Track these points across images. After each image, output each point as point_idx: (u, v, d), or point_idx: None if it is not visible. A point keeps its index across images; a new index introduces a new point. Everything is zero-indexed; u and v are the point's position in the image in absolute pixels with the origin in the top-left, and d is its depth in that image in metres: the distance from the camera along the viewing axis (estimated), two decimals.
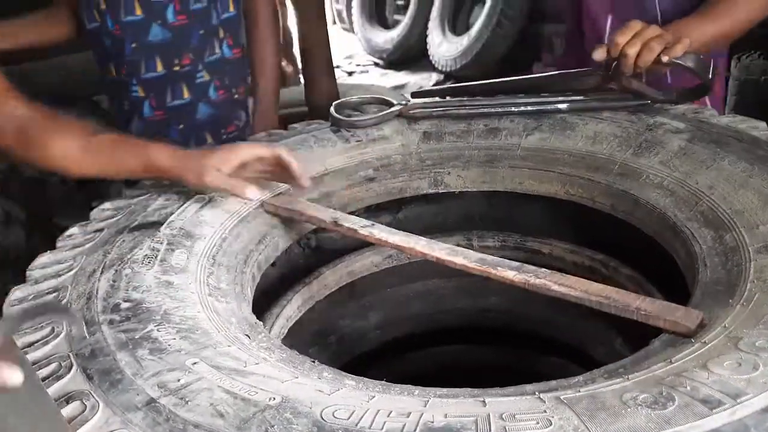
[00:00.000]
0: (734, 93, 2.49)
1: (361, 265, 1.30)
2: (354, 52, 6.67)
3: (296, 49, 4.77)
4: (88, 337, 0.72)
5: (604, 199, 1.06)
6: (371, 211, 1.27)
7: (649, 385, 0.61)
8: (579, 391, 0.62)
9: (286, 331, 1.13)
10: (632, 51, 1.09)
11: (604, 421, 0.57)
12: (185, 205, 1.00)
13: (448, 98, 1.32)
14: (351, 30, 6.97)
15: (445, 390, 0.67)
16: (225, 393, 0.62)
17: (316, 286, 1.23)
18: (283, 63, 4.34)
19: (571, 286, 0.81)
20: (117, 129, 1.64)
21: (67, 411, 0.61)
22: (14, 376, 0.51)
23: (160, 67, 1.50)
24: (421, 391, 0.67)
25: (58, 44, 1.63)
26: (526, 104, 1.21)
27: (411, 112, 1.27)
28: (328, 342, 1.38)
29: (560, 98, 1.19)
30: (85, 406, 0.61)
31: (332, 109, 1.30)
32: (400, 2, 6.55)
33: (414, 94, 1.38)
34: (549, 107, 1.19)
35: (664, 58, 1.09)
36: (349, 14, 6.99)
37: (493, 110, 1.23)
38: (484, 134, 1.21)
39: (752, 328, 0.66)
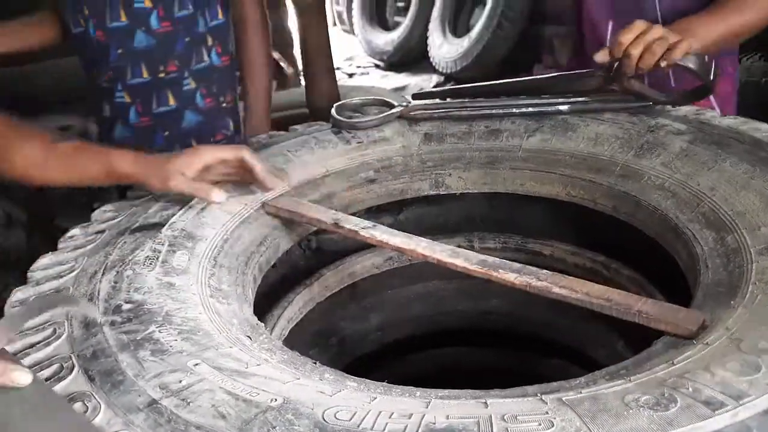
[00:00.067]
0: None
1: (361, 266, 1.30)
2: (354, 53, 6.68)
3: (296, 51, 4.78)
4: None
5: (605, 201, 1.06)
6: (372, 213, 1.27)
7: (651, 387, 0.61)
8: (581, 393, 0.62)
9: (287, 332, 1.13)
10: (635, 52, 1.08)
11: (606, 422, 0.57)
12: (186, 206, 1.00)
13: (449, 100, 1.32)
14: (351, 32, 6.98)
15: (446, 391, 0.67)
16: (227, 394, 0.62)
17: (317, 287, 1.23)
18: (284, 64, 4.34)
19: (572, 289, 0.81)
20: (100, 134, 1.63)
21: None
22: (23, 377, 0.52)
23: (145, 74, 1.50)
24: (423, 393, 0.66)
25: (46, 49, 1.62)
26: (527, 106, 1.21)
27: (412, 113, 1.27)
28: (329, 343, 1.38)
29: (561, 100, 1.19)
30: (87, 408, 0.61)
31: (333, 110, 1.30)
32: (400, 4, 6.56)
33: (415, 96, 1.38)
34: (550, 109, 1.19)
35: (663, 63, 1.09)
36: (350, 16, 7.00)
37: (494, 112, 1.23)
38: (485, 136, 1.21)
39: (754, 330, 0.66)
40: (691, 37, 1.13)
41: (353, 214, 1.09)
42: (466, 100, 1.28)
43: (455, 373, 1.41)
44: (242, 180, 1.06)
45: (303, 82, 3.02)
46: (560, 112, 1.18)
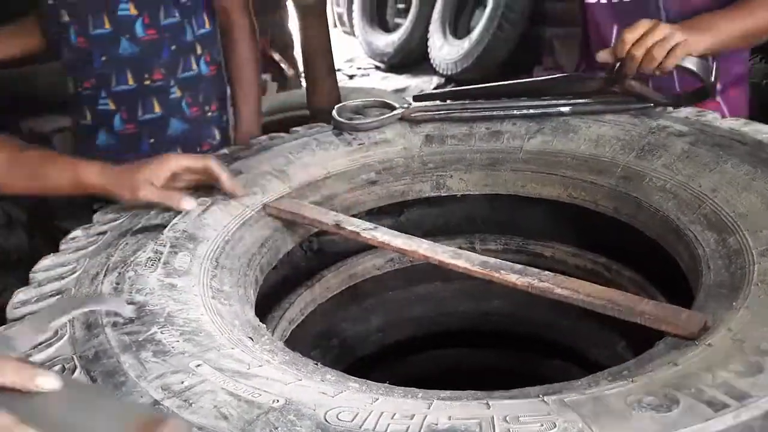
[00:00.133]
0: None
1: (363, 268, 1.30)
2: (355, 55, 6.69)
3: (297, 52, 4.79)
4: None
5: (606, 202, 1.06)
6: (373, 214, 1.27)
7: (653, 388, 0.60)
8: (583, 394, 0.62)
9: (288, 333, 1.13)
10: (638, 54, 1.08)
11: (608, 423, 0.57)
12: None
13: (449, 101, 1.32)
14: (352, 33, 6.98)
15: (448, 392, 0.67)
16: (229, 395, 0.62)
17: (318, 288, 1.23)
18: (284, 66, 4.35)
19: (574, 290, 0.81)
20: (77, 141, 1.61)
21: None
22: (50, 381, 0.52)
23: (131, 81, 1.49)
24: (425, 394, 0.66)
25: (30, 57, 1.61)
26: (528, 107, 1.21)
27: (413, 115, 1.27)
28: (330, 345, 1.37)
29: (562, 101, 1.19)
30: None
31: (334, 112, 1.30)
32: (401, 5, 6.56)
33: (416, 98, 1.38)
34: (551, 110, 1.19)
35: (665, 65, 1.08)
36: (350, 17, 7.01)
37: (495, 113, 1.23)
38: (486, 137, 1.21)
39: (757, 331, 0.66)
40: (703, 35, 1.12)
41: (354, 216, 1.09)
42: (468, 101, 1.28)
43: (456, 374, 1.41)
44: (210, 188, 1.04)
45: (304, 84, 3.02)
46: (561, 114, 1.19)
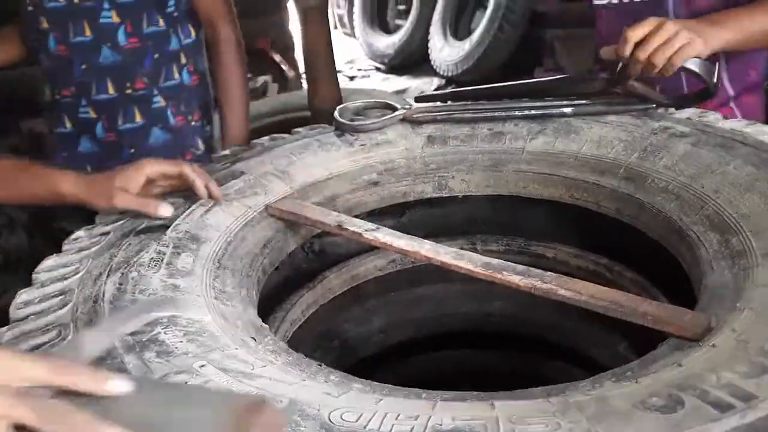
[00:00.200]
0: None
1: (365, 269, 1.30)
2: (355, 56, 6.69)
3: (297, 54, 4.79)
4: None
5: (609, 203, 1.06)
6: (375, 215, 1.27)
7: (658, 389, 0.60)
8: (588, 395, 0.62)
9: (291, 334, 1.13)
10: (642, 56, 1.08)
11: (613, 424, 0.57)
12: (190, 208, 1.00)
13: (451, 102, 1.32)
14: (352, 35, 6.99)
15: (452, 393, 0.67)
16: None
17: (320, 289, 1.23)
18: (285, 67, 4.35)
19: (577, 291, 0.81)
20: (59, 149, 1.59)
21: None
22: (121, 385, 0.51)
23: (111, 90, 1.47)
24: (429, 395, 0.66)
25: (11, 65, 1.60)
26: (530, 108, 1.21)
27: (415, 116, 1.27)
28: (331, 346, 1.37)
29: (565, 102, 1.19)
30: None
31: (336, 113, 1.30)
32: (401, 7, 6.57)
33: (418, 99, 1.38)
34: (553, 111, 1.19)
35: (668, 67, 1.08)
36: (351, 19, 7.01)
37: (497, 114, 1.23)
38: (488, 138, 1.21)
39: (761, 332, 0.66)
40: (718, 32, 1.11)
41: (356, 217, 1.09)
42: (469, 102, 1.28)
43: (458, 376, 1.41)
44: (186, 194, 1.04)
45: (304, 85, 3.02)
46: (563, 115, 1.19)
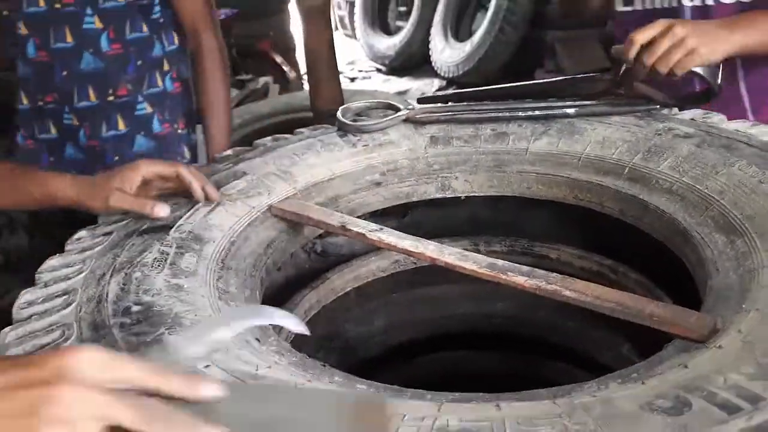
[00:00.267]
0: None
1: (367, 269, 1.30)
2: (356, 58, 6.70)
3: (298, 55, 4.79)
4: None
5: (612, 204, 1.06)
6: (377, 216, 1.26)
7: (664, 391, 0.60)
8: (594, 396, 0.61)
9: (294, 335, 1.13)
10: (648, 62, 1.08)
11: (620, 426, 0.56)
12: (194, 208, 1.00)
13: (450, 103, 1.32)
14: (353, 36, 7.00)
15: (457, 394, 0.66)
16: None
17: (322, 290, 1.22)
18: (286, 69, 4.35)
19: (582, 292, 0.80)
20: (38, 154, 1.56)
21: None
22: (213, 389, 0.51)
23: (93, 97, 1.45)
24: (434, 396, 0.66)
25: None
26: (533, 109, 1.21)
27: (418, 116, 1.27)
28: (333, 346, 1.37)
29: (568, 103, 1.19)
30: None
31: (339, 113, 1.29)
32: (402, 8, 6.58)
33: (420, 101, 1.37)
34: (557, 111, 1.19)
35: (675, 72, 1.08)
36: (352, 20, 7.02)
37: (500, 115, 1.23)
38: (491, 139, 1.21)
39: (767, 333, 0.66)
40: (732, 33, 1.10)
41: (359, 217, 1.09)
42: (473, 103, 1.28)
43: (460, 377, 1.40)
44: (183, 195, 1.03)
45: (306, 86, 3.02)
46: (567, 115, 1.18)
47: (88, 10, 1.40)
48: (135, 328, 0.72)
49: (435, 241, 0.98)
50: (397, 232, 0.99)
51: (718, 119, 1.09)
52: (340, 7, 7.34)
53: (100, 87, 1.44)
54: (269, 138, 1.30)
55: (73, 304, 0.77)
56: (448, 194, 1.19)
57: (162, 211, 0.96)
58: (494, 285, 0.88)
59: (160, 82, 1.51)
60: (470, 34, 5.31)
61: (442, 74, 5.39)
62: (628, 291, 0.96)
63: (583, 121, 1.17)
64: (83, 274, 0.84)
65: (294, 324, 0.65)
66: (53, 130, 1.47)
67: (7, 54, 1.49)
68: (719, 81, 1.13)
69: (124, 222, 0.97)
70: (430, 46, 5.62)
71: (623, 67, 1.13)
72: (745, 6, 1.22)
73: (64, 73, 1.41)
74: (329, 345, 1.36)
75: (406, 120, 1.27)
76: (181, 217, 0.97)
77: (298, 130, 1.32)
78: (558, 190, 1.12)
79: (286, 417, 0.51)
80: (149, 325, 0.73)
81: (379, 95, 3.23)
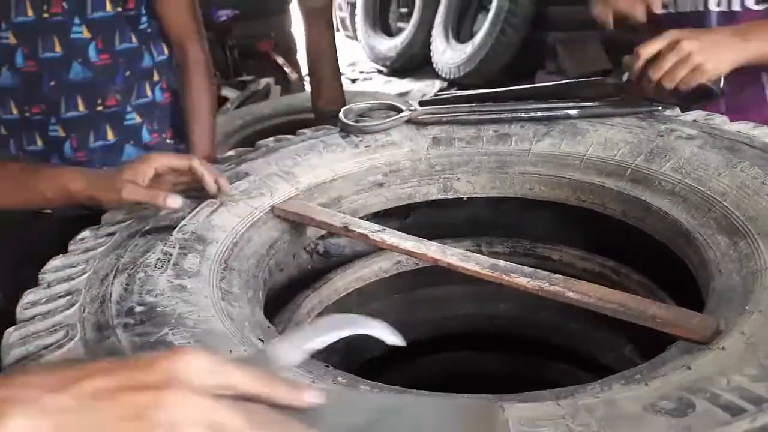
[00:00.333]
0: None
1: (369, 270, 1.30)
2: (357, 59, 6.71)
3: (300, 56, 4.80)
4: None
5: (615, 205, 1.06)
6: (379, 217, 1.27)
7: (668, 392, 0.60)
8: (597, 398, 0.62)
9: None
10: (654, 77, 1.08)
11: (623, 427, 0.56)
12: (196, 209, 1.00)
13: (457, 104, 1.32)
14: (354, 37, 7.00)
15: (461, 395, 0.66)
16: None
17: (325, 291, 1.22)
18: (288, 70, 4.36)
19: (585, 293, 0.80)
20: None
21: None
22: (317, 396, 0.51)
23: (81, 107, 1.42)
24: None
25: None
26: (535, 110, 1.21)
27: (420, 117, 1.27)
28: (335, 347, 1.37)
29: (570, 104, 1.19)
30: None
31: (341, 114, 1.30)
32: (403, 10, 6.58)
33: (422, 103, 1.37)
34: (559, 113, 1.19)
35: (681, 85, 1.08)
36: (353, 22, 7.03)
37: (502, 116, 1.23)
38: (494, 140, 1.21)
39: None
40: (747, 42, 1.11)
41: (361, 218, 1.09)
42: (475, 104, 1.28)
43: (462, 378, 1.40)
44: (195, 189, 1.03)
45: (307, 88, 3.02)
46: (569, 117, 1.18)
47: (76, 20, 1.38)
48: (138, 329, 0.72)
49: (437, 242, 0.98)
50: (400, 233, 0.99)
51: (720, 121, 1.10)
52: (341, 9, 7.34)
53: (88, 97, 1.42)
54: (271, 139, 1.30)
55: (77, 305, 0.77)
56: (450, 195, 1.20)
57: (175, 201, 0.96)
58: (496, 286, 0.88)
59: (149, 93, 1.50)
60: (471, 36, 5.32)
61: (443, 75, 5.39)
62: (631, 292, 0.96)
63: (585, 122, 1.17)
64: (86, 275, 0.84)
65: (391, 335, 0.65)
66: (39, 142, 1.45)
67: None
68: (722, 84, 1.13)
69: (126, 223, 0.97)
70: (431, 48, 5.62)
71: (625, 76, 1.14)
72: None
73: (52, 83, 1.40)
74: (331, 346, 1.35)
75: (409, 121, 1.27)
76: (183, 218, 0.97)
77: (300, 131, 1.32)
78: (560, 191, 1.12)
79: (390, 424, 0.50)
80: (153, 326, 0.73)
81: (381, 96, 3.23)
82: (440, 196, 1.20)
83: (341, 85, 2.26)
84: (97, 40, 1.40)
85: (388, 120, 1.27)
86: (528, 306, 1.33)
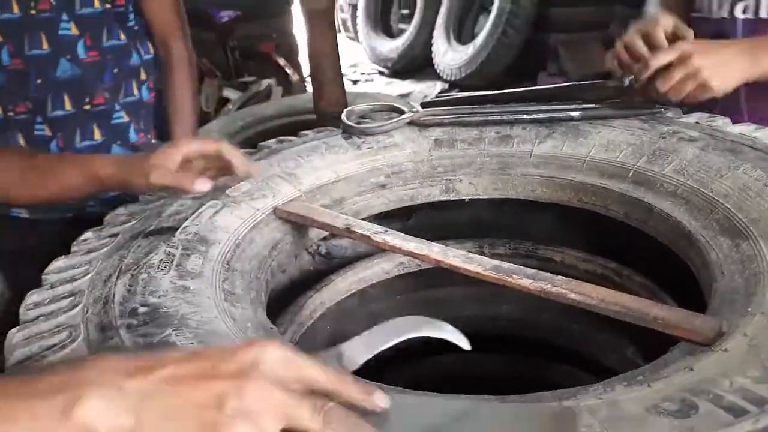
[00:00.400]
0: None
1: (371, 272, 1.30)
2: (359, 60, 6.71)
3: (301, 57, 4.80)
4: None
5: (617, 207, 1.06)
6: (381, 218, 1.27)
7: (670, 393, 0.60)
8: (600, 399, 0.62)
9: (298, 337, 1.13)
10: (662, 89, 1.09)
11: (626, 429, 0.57)
12: (199, 210, 1.00)
13: (459, 106, 1.32)
14: (356, 39, 7.01)
15: (464, 396, 0.66)
16: None
17: (327, 292, 1.23)
18: (289, 71, 4.36)
19: (587, 295, 0.80)
20: None
21: None
22: (385, 399, 0.51)
23: (68, 105, 1.40)
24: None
25: None
26: (538, 112, 1.21)
27: (422, 119, 1.27)
28: None
29: (573, 106, 1.20)
30: None
31: (343, 115, 1.30)
32: (404, 11, 6.59)
33: (424, 105, 1.38)
34: (561, 115, 1.19)
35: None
36: (354, 23, 7.03)
37: (504, 118, 1.23)
38: (496, 141, 1.21)
39: None
40: (759, 57, 1.11)
41: (363, 220, 1.09)
42: (477, 106, 1.28)
43: (463, 379, 1.40)
44: (223, 174, 1.03)
45: (308, 89, 3.02)
46: (571, 119, 1.19)
47: (64, 16, 1.36)
48: (142, 330, 0.72)
49: (439, 243, 0.98)
50: (402, 234, 0.99)
51: (722, 122, 1.10)
52: (342, 10, 7.35)
53: (76, 95, 1.40)
54: (273, 140, 1.30)
55: (80, 306, 0.78)
56: (453, 197, 1.20)
57: (203, 185, 0.95)
58: (499, 287, 0.88)
59: (136, 91, 1.49)
60: (473, 37, 5.32)
61: (445, 77, 5.40)
62: (633, 294, 0.96)
63: (587, 124, 1.17)
64: (90, 276, 0.84)
65: (460, 339, 0.65)
66: (21, 142, 1.42)
67: None
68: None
69: (129, 224, 0.98)
70: (432, 49, 5.63)
71: (628, 80, 1.14)
72: None
73: (39, 80, 1.37)
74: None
75: (411, 123, 1.28)
76: (186, 219, 0.98)
77: (302, 132, 1.32)
78: (562, 193, 1.12)
79: (462, 430, 0.50)
80: (156, 327, 0.73)
81: (382, 98, 3.23)
82: (442, 198, 1.20)
83: (343, 86, 2.26)
84: (86, 37, 1.39)
85: (390, 121, 1.27)
86: (530, 307, 1.33)
